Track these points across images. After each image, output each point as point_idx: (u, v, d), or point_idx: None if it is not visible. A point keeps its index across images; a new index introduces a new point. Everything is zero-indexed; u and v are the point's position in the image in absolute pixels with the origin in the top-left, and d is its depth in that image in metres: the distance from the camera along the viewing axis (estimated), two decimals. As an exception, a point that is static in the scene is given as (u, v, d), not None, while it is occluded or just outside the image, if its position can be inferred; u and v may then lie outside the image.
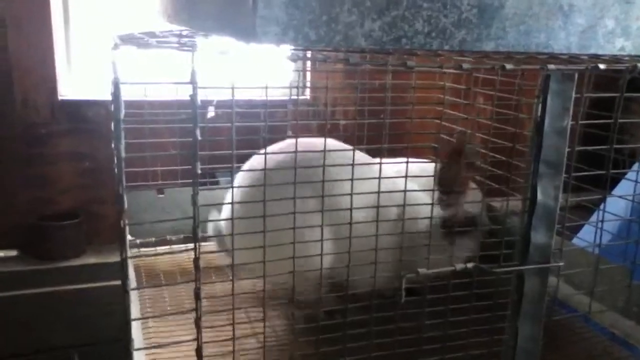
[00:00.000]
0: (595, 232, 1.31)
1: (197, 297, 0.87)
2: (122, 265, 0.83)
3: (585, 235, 1.59)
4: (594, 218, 1.56)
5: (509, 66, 0.88)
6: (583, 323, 1.45)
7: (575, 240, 1.62)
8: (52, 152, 2.14)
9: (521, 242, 0.99)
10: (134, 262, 1.67)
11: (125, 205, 0.90)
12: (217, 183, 2.01)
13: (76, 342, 1.99)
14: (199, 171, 0.88)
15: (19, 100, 2.07)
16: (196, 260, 0.86)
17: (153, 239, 1.84)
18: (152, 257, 1.75)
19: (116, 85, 0.86)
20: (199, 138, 0.89)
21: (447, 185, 1.29)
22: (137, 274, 1.62)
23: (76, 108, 2.15)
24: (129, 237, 1.84)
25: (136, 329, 1.19)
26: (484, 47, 0.94)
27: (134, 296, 1.40)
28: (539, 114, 0.94)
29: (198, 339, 0.88)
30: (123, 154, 0.89)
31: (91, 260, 2.11)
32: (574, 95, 0.94)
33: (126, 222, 0.86)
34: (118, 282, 0.90)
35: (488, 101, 1.62)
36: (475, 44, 0.92)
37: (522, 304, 1.00)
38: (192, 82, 0.84)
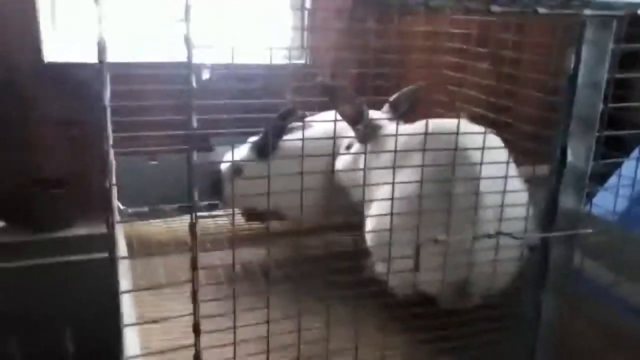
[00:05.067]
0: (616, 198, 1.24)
1: (194, 267, 0.78)
2: (108, 234, 0.74)
3: (601, 201, 1.51)
4: (611, 183, 1.48)
5: (542, 10, 0.78)
6: (601, 294, 1.38)
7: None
8: (39, 117, 2.04)
9: (548, 207, 0.91)
10: (126, 232, 1.59)
11: (114, 171, 0.82)
12: (211, 149, 1.92)
13: (67, 316, 1.91)
14: (194, 128, 0.79)
15: (1, 63, 1.95)
16: (192, 226, 0.77)
17: (146, 208, 1.76)
18: (146, 228, 1.67)
19: (101, 45, 0.76)
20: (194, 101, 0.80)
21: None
22: (130, 246, 1.54)
23: (63, 71, 2.03)
24: (119, 205, 1.77)
25: (128, 304, 1.11)
26: (511, -9, 0.84)
27: (125, 269, 1.31)
28: (572, 65, 0.85)
29: (195, 313, 0.80)
30: (109, 117, 0.81)
31: (81, 231, 2.02)
32: (611, 44, 0.85)
33: (112, 188, 0.77)
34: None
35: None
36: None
37: (547, 274, 0.92)
38: (186, 40, 0.74)
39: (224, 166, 1.62)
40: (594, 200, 1.63)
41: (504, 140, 1.24)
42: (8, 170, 2.00)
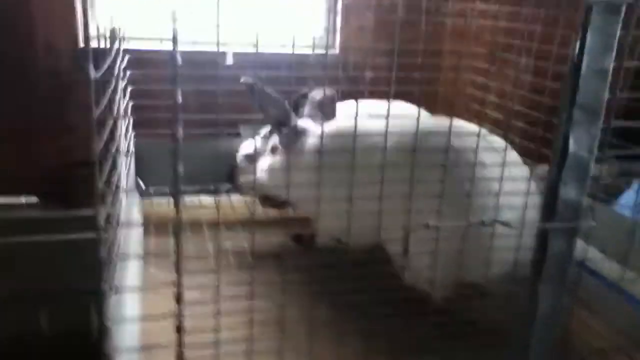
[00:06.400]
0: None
1: (178, 244, 0.78)
2: (93, 214, 0.76)
3: (628, 200, 1.47)
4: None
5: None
6: (612, 291, 1.34)
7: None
8: (75, 100, 2.10)
9: (548, 197, 0.88)
10: (144, 211, 1.63)
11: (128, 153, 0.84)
12: (238, 134, 1.94)
13: (91, 289, 1.96)
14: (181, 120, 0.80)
15: (41, 47, 2.02)
16: (177, 210, 0.77)
17: (167, 188, 1.80)
18: (164, 208, 1.70)
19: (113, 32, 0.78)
20: (179, 88, 0.80)
21: None
22: (146, 224, 1.57)
23: (98, 56, 2.09)
24: (142, 184, 1.81)
25: (134, 275, 1.15)
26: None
27: (138, 245, 1.35)
28: (576, 52, 0.82)
29: (178, 283, 0.81)
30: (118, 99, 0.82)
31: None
32: (619, 31, 0.81)
33: (97, 168, 0.78)
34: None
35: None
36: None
37: (544, 266, 0.89)
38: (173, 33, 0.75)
39: (239, 154, 1.63)
40: (622, 198, 1.58)
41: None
42: (47, 151, 2.07)
